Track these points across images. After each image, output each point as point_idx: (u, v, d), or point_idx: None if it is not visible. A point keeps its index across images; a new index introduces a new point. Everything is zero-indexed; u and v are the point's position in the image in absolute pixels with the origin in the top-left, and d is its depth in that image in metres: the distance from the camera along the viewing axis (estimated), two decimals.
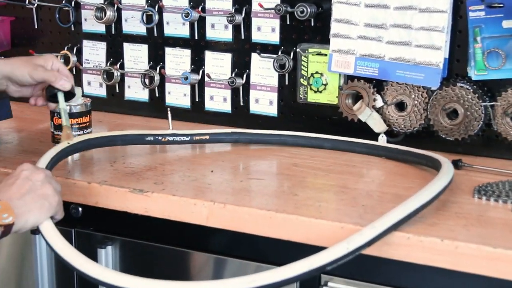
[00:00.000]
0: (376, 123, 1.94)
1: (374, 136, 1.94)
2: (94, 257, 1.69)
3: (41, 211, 1.41)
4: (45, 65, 1.76)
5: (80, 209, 1.70)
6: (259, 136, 1.96)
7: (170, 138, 1.87)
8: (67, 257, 1.36)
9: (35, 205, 1.40)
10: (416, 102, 1.90)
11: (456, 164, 1.75)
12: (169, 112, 1.89)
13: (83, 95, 1.98)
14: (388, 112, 1.94)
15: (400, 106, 1.93)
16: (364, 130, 1.94)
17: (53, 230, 1.41)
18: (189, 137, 1.89)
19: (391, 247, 1.35)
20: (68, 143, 1.69)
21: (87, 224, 1.72)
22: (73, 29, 2.35)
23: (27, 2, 2.35)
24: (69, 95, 1.79)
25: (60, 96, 1.77)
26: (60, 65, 1.78)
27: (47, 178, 1.45)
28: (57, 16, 2.35)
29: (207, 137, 1.91)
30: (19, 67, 1.73)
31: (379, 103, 1.94)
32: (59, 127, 1.86)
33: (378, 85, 1.94)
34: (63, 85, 1.75)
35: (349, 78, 1.97)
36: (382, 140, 1.94)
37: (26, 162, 1.49)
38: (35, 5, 2.35)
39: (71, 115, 1.86)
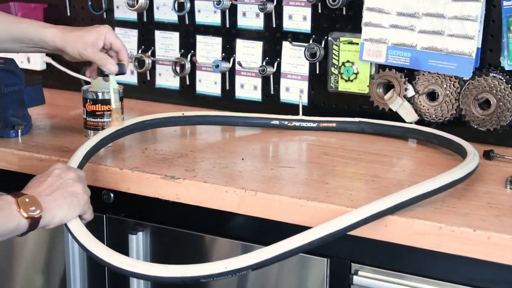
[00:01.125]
0: (407, 113, 1.93)
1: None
2: (125, 243, 1.70)
3: (70, 207, 1.42)
4: (97, 43, 1.75)
5: (111, 195, 1.71)
6: (384, 127, 1.93)
7: (297, 124, 1.89)
8: (97, 253, 1.37)
9: (63, 201, 1.41)
10: (447, 92, 1.89)
11: (488, 155, 1.75)
12: (300, 99, 1.88)
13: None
14: (420, 101, 1.93)
15: (432, 95, 1.92)
16: (395, 120, 1.94)
17: (81, 227, 1.42)
18: (316, 123, 1.89)
19: (423, 236, 1.35)
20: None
21: (118, 210, 1.74)
22: (105, 16, 2.36)
23: None
24: (121, 69, 1.78)
25: (111, 77, 1.77)
26: (113, 39, 1.77)
27: (78, 178, 1.48)
28: (89, 3, 2.36)
29: (334, 124, 1.90)
30: (70, 44, 1.73)
31: (410, 92, 1.93)
32: (91, 114, 1.88)
33: (410, 74, 1.94)
34: (110, 69, 1.75)
35: (381, 67, 1.97)
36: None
37: (60, 162, 1.52)
38: None
39: (104, 102, 1.88)
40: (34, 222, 1.36)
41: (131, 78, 2.36)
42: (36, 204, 1.37)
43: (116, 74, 1.78)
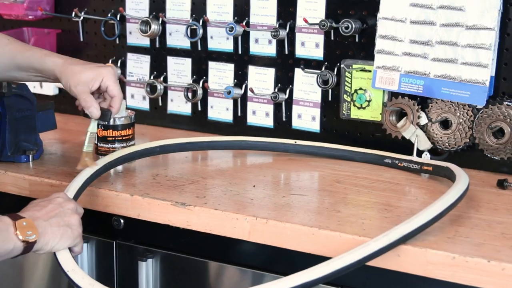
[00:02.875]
0: (420, 141, 1.92)
1: (418, 153, 1.91)
2: (135, 269, 1.69)
3: (62, 237, 1.44)
4: (92, 83, 1.68)
5: (122, 221, 1.71)
6: None
7: (405, 164, 1.86)
8: (80, 284, 1.38)
9: (58, 229, 1.44)
10: (461, 120, 1.87)
11: (502, 184, 1.73)
12: (416, 140, 1.71)
13: (127, 108, 1.99)
14: (433, 129, 1.92)
15: (445, 124, 1.91)
16: (408, 148, 1.92)
17: (69, 257, 1.43)
18: (419, 166, 1.84)
19: (436, 266, 1.33)
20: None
21: (128, 236, 1.73)
22: (117, 42, 2.37)
23: (73, 15, 2.37)
24: (105, 116, 1.71)
25: (92, 121, 1.72)
26: (110, 83, 1.69)
27: (77, 211, 1.50)
28: (103, 29, 2.37)
29: (431, 168, 1.82)
30: (65, 76, 1.68)
31: (423, 120, 1.92)
32: (103, 139, 1.88)
33: (423, 102, 1.93)
34: (91, 113, 1.68)
35: (393, 94, 1.96)
36: (426, 158, 1.92)
37: (63, 192, 1.55)
38: (81, 18, 2.38)
39: (115, 127, 1.88)
40: (28, 246, 1.38)
41: (143, 103, 2.36)
42: (32, 228, 1.39)
43: (103, 118, 1.71)
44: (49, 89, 2.49)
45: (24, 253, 1.39)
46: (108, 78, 1.69)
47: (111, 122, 1.87)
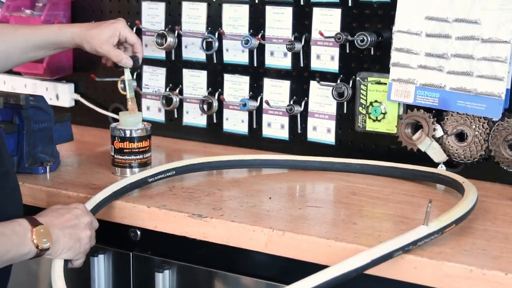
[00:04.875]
0: (436, 153, 1.92)
1: (433, 166, 1.92)
2: (151, 281, 1.70)
3: (70, 249, 1.49)
4: (112, 39, 1.88)
5: (138, 232, 1.72)
6: None
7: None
8: None
9: (69, 241, 1.48)
10: (476, 132, 1.88)
11: None
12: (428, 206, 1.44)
13: (143, 120, 2.00)
14: (448, 142, 1.92)
15: (461, 136, 1.91)
16: (423, 160, 1.93)
17: (60, 269, 1.47)
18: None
19: (453, 279, 1.33)
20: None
21: (145, 248, 1.74)
22: None
23: None
24: (135, 63, 1.93)
25: (126, 70, 1.93)
26: (127, 34, 1.91)
27: (90, 226, 1.54)
28: None
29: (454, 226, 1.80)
30: (87, 42, 1.87)
31: (439, 133, 1.92)
32: (119, 151, 1.89)
33: (438, 114, 1.93)
34: (125, 63, 1.91)
35: (409, 107, 1.96)
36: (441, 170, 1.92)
37: (84, 204, 1.59)
38: None
39: (131, 140, 1.89)
40: (41, 252, 1.42)
41: (158, 115, 2.38)
42: (48, 236, 1.43)
43: (131, 68, 1.93)
44: (66, 101, 2.50)
45: (36, 257, 1.43)
46: (124, 30, 1.91)
47: (128, 134, 1.88)
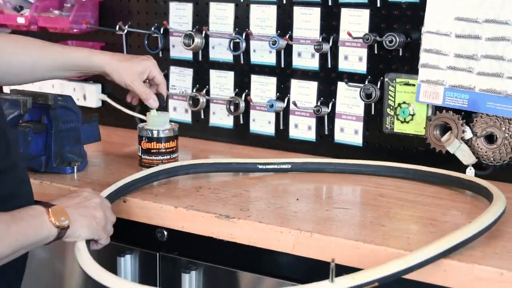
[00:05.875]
0: (465, 155, 1.90)
1: (462, 168, 1.90)
2: (178, 281, 1.70)
3: (89, 227, 1.48)
4: (142, 76, 1.89)
5: (165, 233, 1.71)
6: None
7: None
8: (96, 277, 1.39)
9: (85, 218, 1.48)
10: (506, 134, 1.85)
11: None
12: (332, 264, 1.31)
13: (170, 121, 2.00)
14: (477, 144, 1.90)
15: (490, 138, 1.89)
16: (452, 162, 1.91)
17: (85, 249, 1.45)
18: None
19: (483, 282, 1.32)
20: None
21: (172, 248, 1.74)
22: (161, 55, 2.39)
23: (117, 29, 2.40)
24: (161, 102, 1.93)
25: (152, 110, 1.92)
26: (156, 74, 1.91)
27: (102, 205, 1.54)
28: (146, 42, 2.39)
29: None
30: (118, 74, 1.86)
31: (468, 135, 1.90)
32: (146, 152, 1.89)
33: (467, 116, 1.91)
34: (151, 104, 1.90)
35: (437, 108, 1.94)
36: (470, 173, 1.90)
37: (89, 188, 1.61)
38: (125, 31, 2.40)
39: (159, 140, 1.89)
40: (62, 232, 1.42)
41: (185, 116, 2.38)
42: (65, 214, 1.43)
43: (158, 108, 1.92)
44: (93, 101, 2.51)
45: (57, 239, 1.42)
46: (154, 69, 1.91)
47: (155, 135, 1.88)
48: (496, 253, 1.39)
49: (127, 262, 1.78)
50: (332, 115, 2.13)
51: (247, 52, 2.24)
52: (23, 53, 1.83)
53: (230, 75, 2.28)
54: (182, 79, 2.37)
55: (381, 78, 2.02)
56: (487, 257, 1.37)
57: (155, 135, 1.89)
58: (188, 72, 2.35)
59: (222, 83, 2.30)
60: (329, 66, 2.11)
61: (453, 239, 1.37)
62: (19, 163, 1.54)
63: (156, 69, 1.92)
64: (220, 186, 1.83)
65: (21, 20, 2.46)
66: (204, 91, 2.32)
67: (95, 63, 1.85)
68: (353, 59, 2.07)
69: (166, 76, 2.39)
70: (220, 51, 2.28)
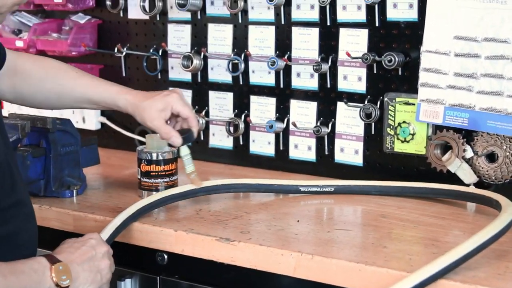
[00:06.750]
0: (466, 174, 1.89)
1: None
2: None
3: (92, 283, 1.48)
4: (164, 113, 1.80)
5: (165, 256, 1.70)
6: None
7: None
8: None
9: (89, 274, 1.47)
10: (508, 153, 1.84)
11: None
12: None
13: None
14: (478, 163, 1.89)
15: (491, 157, 1.88)
16: (453, 181, 1.90)
17: None
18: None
19: None
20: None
21: (172, 272, 1.72)
22: (159, 77, 2.38)
23: (116, 51, 2.40)
24: (190, 137, 1.82)
25: (181, 147, 1.81)
26: (180, 108, 1.81)
27: (109, 254, 1.53)
28: (145, 64, 2.39)
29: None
30: (139, 114, 1.80)
31: (469, 153, 1.89)
32: (146, 174, 1.88)
33: (468, 135, 1.90)
34: (174, 143, 1.80)
35: (438, 128, 1.94)
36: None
37: (96, 233, 1.57)
38: (124, 53, 2.40)
39: (158, 163, 1.88)
40: None
41: None
42: (67, 273, 1.42)
43: (187, 141, 1.81)
44: (92, 124, 2.51)
45: None
46: (176, 104, 1.80)
47: (154, 157, 1.87)
48: (499, 274, 1.38)
49: (127, 286, 1.77)
50: (332, 135, 2.12)
51: (246, 73, 2.23)
52: (52, 82, 1.84)
53: (229, 96, 2.28)
54: None
55: (381, 97, 2.01)
56: (490, 278, 1.36)
57: (154, 157, 1.88)
58: (187, 94, 2.34)
59: (221, 104, 2.29)
60: (329, 86, 2.10)
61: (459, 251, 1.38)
62: (26, 199, 1.53)
63: (179, 102, 1.81)
64: (220, 208, 1.82)
65: (19, 44, 2.46)
66: (203, 113, 2.31)
67: (119, 104, 1.82)
68: (353, 79, 2.06)
69: None
70: (219, 72, 2.28)
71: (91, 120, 2.51)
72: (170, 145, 1.85)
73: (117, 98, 1.82)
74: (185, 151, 1.82)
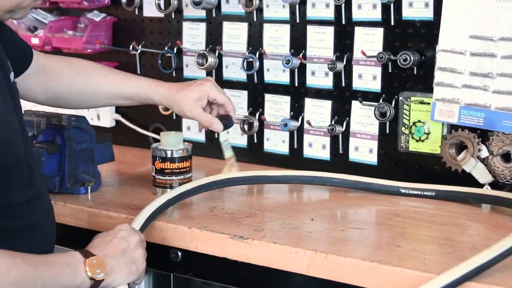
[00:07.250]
0: (481, 174, 1.88)
1: (478, 187, 1.88)
2: None
3: (129, 274, 1.47)
4: (201, 102, 1.85)
5: (179, 253, 1.70)
6: None
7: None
8: None
9: (125, 266, 1.47)
10: None
11: None
12: None
13: (184, 140, 1.99)
14: (494, 163, 1.88)
15: (507, 157, 1.87)
16: (468, 181, 1.89)
17: None
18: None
19: None
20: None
21: (186, 269, 1.72)
22: (174, 75, 2.38)
23: (131, 49, 2.40)
24: (228, 123, 1.87)
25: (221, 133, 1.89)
26: (216, 95, 1.86)
27: (141, 243, 1.52)
28: (160, 62, 2.39)
29: None
30: (175, 105, 1.85)
31: (484, 153, 1.88)
32: (160, 172, 1.88)
33: (483, 135, 1.89)
34: (216, 129, 1.86)
35: (453, 127, 1.93)
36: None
37: (126, 223, 1.57)
38: (139, 51, 2.41)
39: (172, 160, 1.88)
40: (96, 284, 1.41)
41: (198, 135, 2.37)
42: (102, 266, 1.41)
43: (227, 127, 1.88)
44: (106, 121, 2.51)
45: None
46: (212, 92, 1.86)
47: (169, 155, 1.87)
48: None
49: (141, 283, 1.77)
50: (346, 134, 2.11)
51: (260, 71, 2.23)
52: (84, 80, 1.86)
53: (244, 94, 2.28)
54: None
55: (396, 96, 2.01)
56: (505, 279, 1.35)
57: (168, 155, 1.88)
58: None
59: (236, 102, 2.28)
60: (343, 84, 2.10)
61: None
62: (44, 194, 1.54)
63: (215, 90, 1.86)
64: (234, 206, 1.82)
65: (35, 41, 2.47)
66: None
67: (154, 96, 1.85)
68: (367, 77, 2.06)
69: None
70: (234, 70, 2.28)
71: (105, 117, 2.51)
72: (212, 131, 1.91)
73: (151, 92, 1.86)
74: (224, 136, 1.88)
